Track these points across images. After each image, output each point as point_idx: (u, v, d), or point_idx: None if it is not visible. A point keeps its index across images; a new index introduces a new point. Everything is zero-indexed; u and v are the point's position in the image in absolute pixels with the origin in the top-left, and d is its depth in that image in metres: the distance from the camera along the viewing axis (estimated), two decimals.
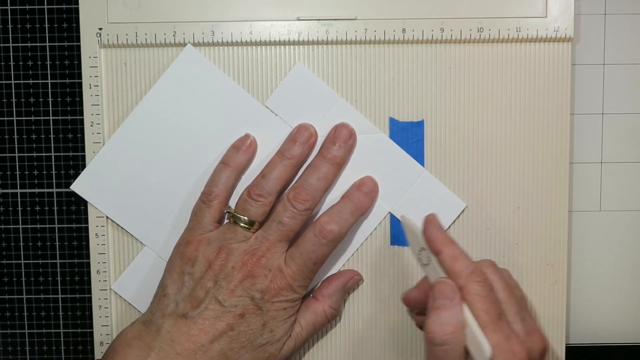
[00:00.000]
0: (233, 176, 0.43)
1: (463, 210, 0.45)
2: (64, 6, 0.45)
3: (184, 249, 0.41)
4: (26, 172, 0.46)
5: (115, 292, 0.45)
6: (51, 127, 0.46)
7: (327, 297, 0.44)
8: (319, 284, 0.44)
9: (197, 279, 0.41)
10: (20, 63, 0.45)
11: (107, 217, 0.45)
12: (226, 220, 0.43)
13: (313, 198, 0.42)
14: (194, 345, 0.39)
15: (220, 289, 0.40)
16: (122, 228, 0.45)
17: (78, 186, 0.44)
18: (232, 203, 0.43)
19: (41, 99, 0.45)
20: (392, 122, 0.45)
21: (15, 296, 0.47)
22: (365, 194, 0.44)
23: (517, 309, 0.38)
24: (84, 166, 0.45)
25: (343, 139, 0.43)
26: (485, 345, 0.35)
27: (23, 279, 0.46)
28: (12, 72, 0.45)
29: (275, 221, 0.41)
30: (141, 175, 0.44)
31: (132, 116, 0.44)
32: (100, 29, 0.44)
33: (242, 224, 0.41)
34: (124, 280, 0.45)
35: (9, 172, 0.46)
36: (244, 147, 0.43)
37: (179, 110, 0.44)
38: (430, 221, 0.40)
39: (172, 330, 0.40)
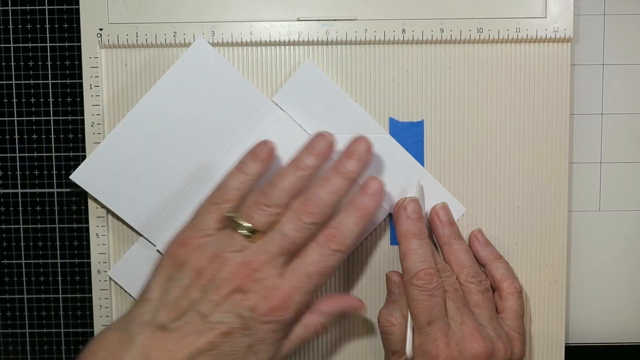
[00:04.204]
0: (248, 184, 0.39)
1: (463, 214, 0.45)
2: (64, 7, 0.45)
3: (176, 250, 0.38)
4: (26, 172, 0.46)
5: (112, 280, 0.45)
6: (52, 127, 0.46)
7: (323, 314, 0.39)
8: (319, 299, 0.41)
9: (183, 287, 0.37)
10: (21, 63, 0.45)
11: (107, 215, 0.45)
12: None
13: (322, 212, 0.38)
14: None
15: (206, 301, 0.36)
16: (122, 228, 0.45)
17: (77, 176, 0.43)
18: None
19: (42, 99, 0.46)
20: (392, 122, 0.45)
21: (16, 296, 0.47)
22: (370, 195, 0.40)
23: (461, 314, 0.40)
24: None
25: (359, 154, 0.40)
26: (408, 345, 0.40)
27: (24, 278, 0.46)
28: (13, 72, 0.45)
29: (278, 232, 0.38)
30: (143, 167, 0.43)
31: (137, 108, 0.43)
32: (101, 29, 0.44)
33: (242, 232, 0.38)
34: (120, 268, 0.45)
35: (9, 172, 0.46)
36: (262, 156, 0.40)
37: (186, 103, 0.43)
38: (401, 207, 0.42)
39: (146, 343, 0.35)
